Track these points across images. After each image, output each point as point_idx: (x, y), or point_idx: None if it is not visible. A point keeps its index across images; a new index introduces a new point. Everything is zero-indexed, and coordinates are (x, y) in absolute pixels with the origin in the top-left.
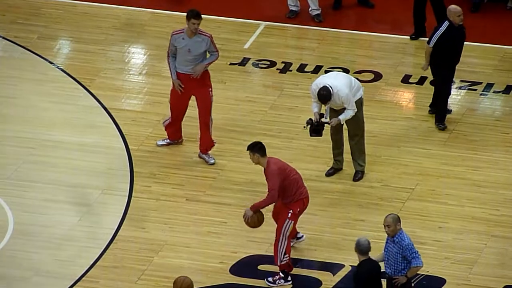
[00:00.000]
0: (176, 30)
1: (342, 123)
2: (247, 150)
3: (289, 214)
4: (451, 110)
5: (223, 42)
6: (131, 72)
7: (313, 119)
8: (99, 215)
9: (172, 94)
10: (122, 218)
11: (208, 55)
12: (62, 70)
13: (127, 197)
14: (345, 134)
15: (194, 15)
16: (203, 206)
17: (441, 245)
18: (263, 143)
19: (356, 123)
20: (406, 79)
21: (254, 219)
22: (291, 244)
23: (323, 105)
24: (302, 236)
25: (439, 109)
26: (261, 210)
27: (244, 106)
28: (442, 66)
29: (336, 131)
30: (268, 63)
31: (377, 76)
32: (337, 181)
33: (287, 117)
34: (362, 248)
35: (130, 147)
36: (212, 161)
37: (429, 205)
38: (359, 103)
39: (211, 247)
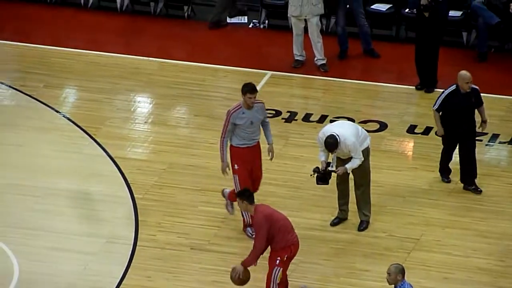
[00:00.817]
0: (233, 108)
1: (348, 172)
2: (237, 197)
3: (277, 261)
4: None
5: (229, 91)
6: (137, 121)
7: (320, 168)
8: (104, 264)
9: (240, 174)
10: (127, 267)
11: None
12: (68, 119)
13: (132, 246)
14: (350, 183)
15: (249, 90)
16: (208, 255)
17: None
18: (251, 191)
19: (362, 172)
20: (411, 129)
21: (247, 274)
22: None
23: (330, 154)
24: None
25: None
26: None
27: None
28: (446, 131)
29: (342, 181)
30: (274, 112)
31: (383, 126)
32: (342, 231)
33: (292, 166)
34: None
35: (135, 195)
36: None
37: (434, 255)
38: (366, 152)
39: None
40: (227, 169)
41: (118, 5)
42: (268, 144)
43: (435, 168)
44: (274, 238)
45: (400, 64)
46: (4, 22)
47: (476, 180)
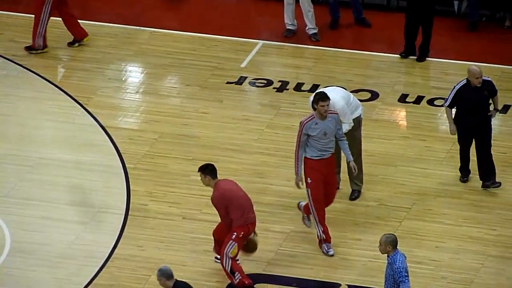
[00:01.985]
0: (305, 118)
1: None
2: (198, 171)
3: (233, 236)
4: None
5: (220, 60)
6: (128, 90)
7: None
8: (96, 233)
9: (313, 188)
10: (118, 237)
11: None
12: (59, 88)
13: (123, 216)
14: (342, 153)
15: (321, 98)
16: (200, 225)
17: (438, 265)
18: (214, 166)
19: (353, 142)
20: (403, 98)
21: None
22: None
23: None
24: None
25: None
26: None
27: (241, 125)
28: (458, 126)
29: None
30: (265, 82)
31: (374, 95)
32: (334, 200)
33: (284, 135)
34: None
35: (126, 165)
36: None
37: (426, 224)
38: (357, 122)
39: (208, 266)
40: (300, 183)
41: None
42: (349, 161)
43: (427, 137)
44: (232, 215)
45: (391, 33)
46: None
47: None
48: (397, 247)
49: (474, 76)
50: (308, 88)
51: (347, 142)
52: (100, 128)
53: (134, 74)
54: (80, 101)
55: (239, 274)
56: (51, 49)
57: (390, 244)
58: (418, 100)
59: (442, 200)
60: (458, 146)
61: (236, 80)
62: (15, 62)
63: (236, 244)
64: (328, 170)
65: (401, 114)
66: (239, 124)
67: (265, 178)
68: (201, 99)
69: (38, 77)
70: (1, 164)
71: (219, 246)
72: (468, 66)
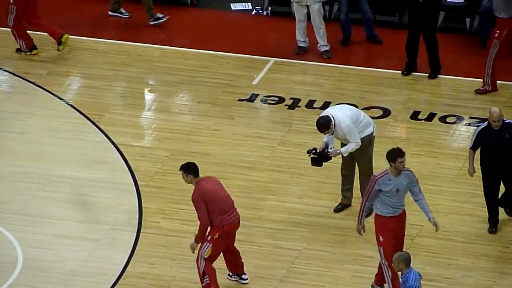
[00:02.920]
0: (380, 174)
1: (344, 155)
2: (180, 170)
3: (208, 238)
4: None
5: (231, 78)
6: (139, 108)
7: (317, 149)
8: (108, 250)
9: (385, 247)
10: (130, 254)
11: None
12: (71, 106)
13: (135, 233)
14: (356, 170)
15: (399, 154)
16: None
17: (451, 282)
18: (196, 165)
19: (363, 159)
20: (415, 116)
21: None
22: (233, 279)
23: (334, 138)
24: (247, 280)
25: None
26: None
27: (253, 142)
28: (482, 167)
29: (347, 167)
30: (277, 99)
31: (386, 113)
32: (346, 217)
33: (295, 153)
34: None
35: (139, 182)
36: None
37: (438, 241)
38: (368, 139)
39: (221, 283)
40: (362, 231)
41: None
42: (430, 220)
43: (439, 154)
44: (209, 215)
45: (403, 51)
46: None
47: None
48: (410, 265)
49: (491, 119)
50: (320, 106)
51: (424, 201)
52: (112, 146)
53: (146, 91)
54: (92, 119)
55: (208, 278)
56: (64, 67)
57: (402, 262)
58: (430, 117)
59: (455, 217)
60: (468, 162)
61: (247, 97)
62: (27, 80)
63: (210, 245)
64: (399, 227)
65: (413, 131)
66: (250, 141)
67: (277, 195)
68: (212, 116)
69: (50, 94)
70: (13, 182)
71: (229, 262)
72: (490, 107)
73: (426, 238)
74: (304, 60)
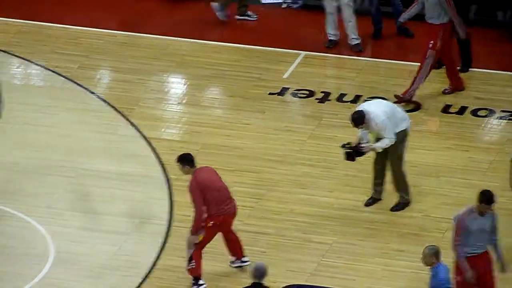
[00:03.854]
0: (463, 212)
1: (378, 150)
2: (177, 161)
3: (202, 224)
4: None
5: (262, 71)
6: (170, 101)
7: (351, 143)
8: (139, 244)
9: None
10: (161, 247)
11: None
12: (102, 100)
13: (166, 226)
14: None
15: (486, 200)
16: (242, 235)
17: None
18: (192, 155)
19: (394, 154)
20: (446, 109)
21: None
22: (236, 265)
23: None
24: (248, 261)
25: None
26: None
27: (283, 136)
28: None
29: (380, 162)
30: (307, 92)
31: (417, 106)
32: (377, 211)
33: (326, 146)
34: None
35: (169, 176)
36: None
37: None
38: (402, 135)
39: (225, 272)
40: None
41: None
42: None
43: (470, 147)
44: (206, 204)
45: None
46: (39, 4)
47: None
48: (440, 259)
49: None
50: (351, 99)
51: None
52: (143, 139)
53: (176, 85)
54: (123, 112)
55: (194, 263)
56: (95, 60)
57: (434, 256)
58: (462, 110)
59: None
60: (499, 155)
61: (278, 91)
62: (58, 73)
63: (203, 232)
64: (484, 266)
65: (444, 125)
66: (281, 135)
67: (307, 189)
68: (243, 110)
69: (81, 88)
70: (45, 175)
71: (229, 248)
72: None
73: None
74: (335, 54)
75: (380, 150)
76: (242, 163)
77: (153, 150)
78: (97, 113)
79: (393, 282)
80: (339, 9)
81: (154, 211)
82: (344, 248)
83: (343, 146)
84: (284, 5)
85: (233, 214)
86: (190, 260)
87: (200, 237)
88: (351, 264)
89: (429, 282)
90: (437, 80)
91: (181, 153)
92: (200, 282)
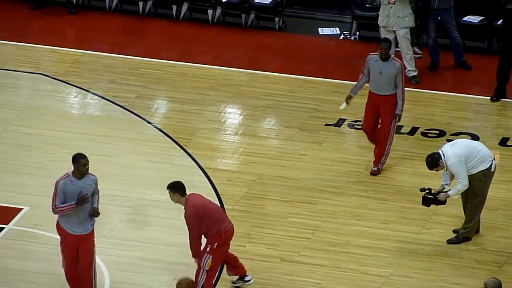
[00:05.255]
0: None
1: (454, 197)
2: (167, 189)
3: (208, 249)
4: None
5: (318, 103)
6: (227, 132)
7: (431, 189)
8: (192, 274)
9: None
10: (217, 278)
11: None
12: (159, 130)
13: None
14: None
15: None
16: (298, 267)
17: None
18: (183, 183)
19: (474, 195)
20: (503, 142)
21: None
22: (238, 285)
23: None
24: (250, 280)
25: None
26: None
27: (339, 167)
28: None
29: (462, 199)
30: (364, 124)
31: (474, 138)
32: (433, 243)
33: (382, 178)
34: None
35: (225, 206)
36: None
37: None
38: (481, 175)
39: None
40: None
41: (210, 17)
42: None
43: None
44: (204, 229)
45: (492, 77)
46: (99, 34)
47: None
48: None
49: None
50: (408, 131)
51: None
52: (199, 169)
53: (233, 115)
54: (180, 143)
55: None
56: (152, 90)
57: None
58: None
59: None
60: None
61: (334, 122)
62: (116, 103)
63: (211, 256)
64: None
65: (502, 158)
66: (337, 166)
67: (364, 220)
68: (299, 141)
69: (138, 118)
70: (101, 204)
71: (231, 267)
72: None
73: None
74: None
75: (455, 197)
76: (298, 194)
77: (209, 180)
78: (154, 143)
79: None
80: (396, 41)
81: None
82: (401, 281)
83: (423, 190)
84: (341, 37)
85: (233, 231)
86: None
87: (209, 262)
88: None
89: None
90: (494, 113)
91: (173, 181)
92: None
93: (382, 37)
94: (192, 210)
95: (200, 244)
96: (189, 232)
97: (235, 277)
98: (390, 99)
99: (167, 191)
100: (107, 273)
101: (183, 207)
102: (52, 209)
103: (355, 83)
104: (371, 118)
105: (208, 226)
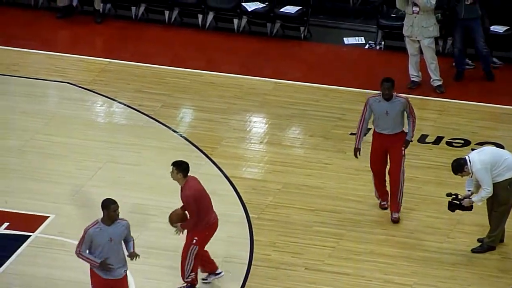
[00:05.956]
0: None
1: (478, 204)
2: (172, 165)
3: (194, 241)
4: None
5: (343, 112)
6: (252, 140)
7: (458, 195)
8: (220, 282)
9: None
10: (241, 286)
11: None
12: (185, 138)
13: (246, 265)
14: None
15: None
16: (322, 275)
17: None
18: (189, 165)
19: (498, 203)
20: None
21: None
22: (210, 280)
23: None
24: (221, 272)
25: None
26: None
27: (364, 176)
28: None
29: (489, 205)
30: None
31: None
32: (457, 253)
33: (406, 187)
34: None
35: (250, 215)
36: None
37: None
38: (507, 183)
39: None
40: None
41: (235, 26)
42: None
43: None
44: (196, 215)
45: None
46: (125, 43)
47: None
48: None
49: None
50: (432, 140)
51: None
52: (225, 178)
53: (258, 124)
54: (205, 151)
55: (193, 274)
56: (178, 99)
57: None
58: None
59: None
60: None
61: None
62: (142, 112)
63: (197, 247)
64: None
65: None
66: (362, 175)
67: (388, 229)
68: (324, 150)
69: (164, 127)
70: (127, 213)
71: (205, 262)
72: None
73: None
74: (417, 95)
75: (479, 203)
76: (323, 202)
77: (235, 189)
78: (179, 152)
79: None
80: (421, 50)
81: (235, 250)
82: None
83: (449, 195)
84: (366, 46)
85: (216, 227)
86: (190, 272)
87: (196, 251)
88: None
89: None
90: None
91: (179, 159)
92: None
93: (407, 46)
94: (192, 190)
95: (196, 221)
96: (188, 209)
97: (205, 274)
98: (399, 136)
99: (172, 167)
100: (133, 281)
101: (181, 186)
102: (76, 252)
103: (355, 134)
104: (380, 158)
105: (198, 215)
